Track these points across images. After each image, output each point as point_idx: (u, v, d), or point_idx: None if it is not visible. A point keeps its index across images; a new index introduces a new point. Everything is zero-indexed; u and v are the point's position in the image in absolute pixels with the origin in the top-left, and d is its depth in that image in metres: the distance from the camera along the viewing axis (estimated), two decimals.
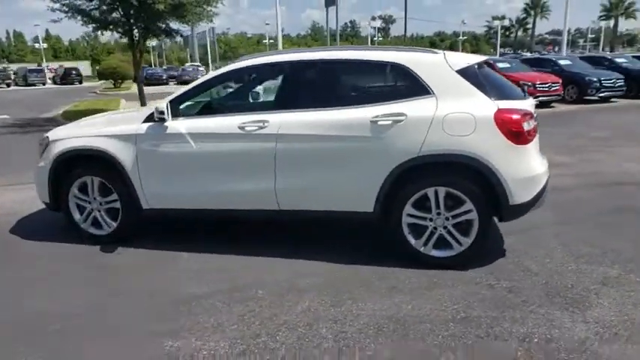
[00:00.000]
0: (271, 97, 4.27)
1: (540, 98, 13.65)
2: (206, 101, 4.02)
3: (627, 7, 49.93)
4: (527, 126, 3.28)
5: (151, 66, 50.52)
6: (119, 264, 3.77)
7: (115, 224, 4.05)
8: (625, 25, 57.62)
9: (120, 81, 29.93)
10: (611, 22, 51.04)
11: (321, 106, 3.54)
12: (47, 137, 4.16)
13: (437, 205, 3.38)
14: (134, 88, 31.16)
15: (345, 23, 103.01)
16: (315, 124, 3.47)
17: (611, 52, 40.76)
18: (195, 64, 42.48)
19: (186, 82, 35.21)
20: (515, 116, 3.25)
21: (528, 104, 3.46)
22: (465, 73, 3.39)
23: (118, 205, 3.99)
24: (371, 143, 3.38)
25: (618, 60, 17.26)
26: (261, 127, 3.55)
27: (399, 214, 3.45)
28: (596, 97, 14.91)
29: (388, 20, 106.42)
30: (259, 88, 4.61)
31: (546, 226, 4.15)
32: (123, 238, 4.07)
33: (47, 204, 4.24)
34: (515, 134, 3.23)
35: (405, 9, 46.84)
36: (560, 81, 14.37)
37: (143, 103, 13.63)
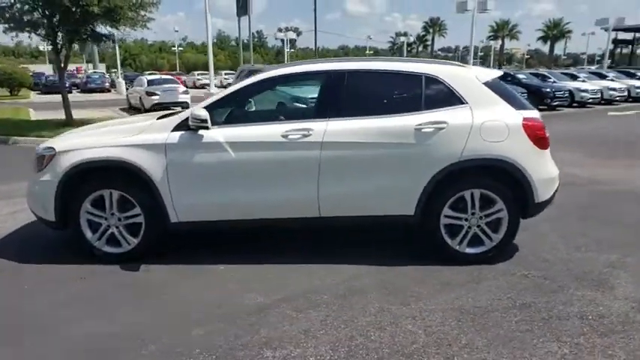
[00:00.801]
0: (269, 107, 4.27)
1: None
2: (238, 109, 3.93)
3: (511, 29, 57.26)
4: (547, 132, 3.74)
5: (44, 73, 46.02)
6: (152, 281, 3.55)
7: (135, 240, 3.79)
8: (508, 45, 65.43)
9: (17, 89, 26.91)
10: (499, 42, 57.80)
11: (363, 115, 3.69)
12: (52, 148, 3.78)
13: (472, 206, 3.69)
14: (33, 96, 28.25)
15: (252, 33, 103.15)
16: (360, 131, 3.61)
17: (499, 68, 45.63)
18: (100, 71, 39.72)
19: (92, 91, 32.75)
20: (539, 124, 3.69)
21: (539, 114, 3.93)
22: (489, 85, 3.77)
23: (140, 219, 3.75)
24: (415, 149, 3.60)
25: (519, 76, 19.51)
26: (305, 135, 3.60)
27: (437, 215, 3.70)
28: None
29: (295, 32, 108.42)
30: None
31: (539, 223, 4.64)
32: (141, 255, 3.82)
33: (49, 222, 3.84)
34: (540, 140, 3.67)
35: (314, 22, 47.92)
36: None
37: (69, 113, 12.52)
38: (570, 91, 18.86)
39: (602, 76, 22.30)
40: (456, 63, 4.04)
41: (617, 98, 20.37)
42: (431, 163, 3.60)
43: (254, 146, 3.64)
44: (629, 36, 46.86)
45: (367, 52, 57.13)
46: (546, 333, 2.80)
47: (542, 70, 25.65)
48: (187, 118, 3.65)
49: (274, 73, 3.84)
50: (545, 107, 17.88)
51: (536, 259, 3.86)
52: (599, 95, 19.52)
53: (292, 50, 52.64)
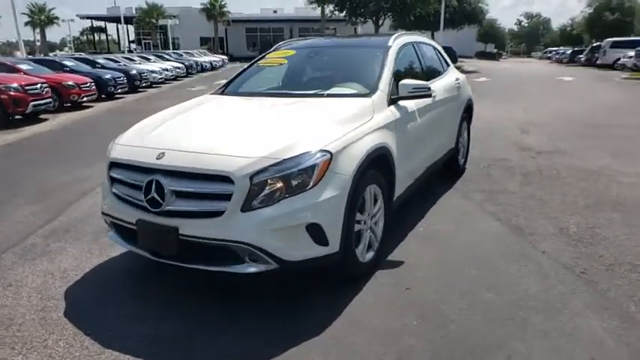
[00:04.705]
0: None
1: (85, 98, 13.91)
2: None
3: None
4: None
5: None
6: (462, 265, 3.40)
7: (381, 235, 3.34)
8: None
9: None
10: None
11: (435, 77, 4.70)
12: (325, 151, 2.65)
13: (464, 132, 5.61)
14: None
15: None
16: (444, 88, 4.68)
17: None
18: None
19: None
20: None
21: None
22: None
23: (381, 211, 3.33)
24: (458, 99, 5.09)
25: (67, 63, 16.84)
26: (435, 96, 4.31)
27: (458, 143, 5.37)
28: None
29: None
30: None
31: None
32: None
33: (326, 257, 2.71)
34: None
35: None
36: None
37: None
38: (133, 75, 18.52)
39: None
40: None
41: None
42: (461, 107, 5.22)
43: (425, 108, 3.99)
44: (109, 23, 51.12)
45: None
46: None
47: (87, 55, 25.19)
48: (391, 89, 3.54)
49: (411, 39, 4.26)
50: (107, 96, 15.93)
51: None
52: (167, 74, 22.22)
53: None
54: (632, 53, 24.36)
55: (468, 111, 5.63)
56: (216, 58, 36.58)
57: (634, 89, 16.08)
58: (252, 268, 2.60)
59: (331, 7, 19.25)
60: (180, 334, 2.59)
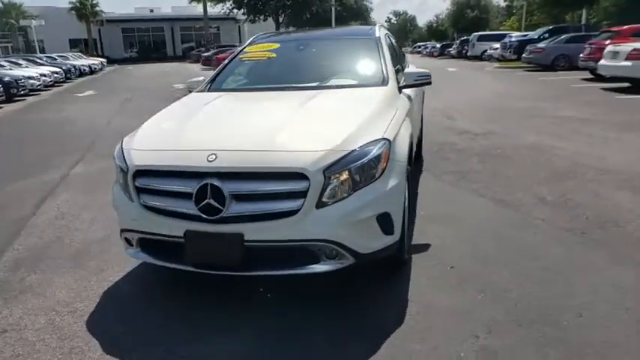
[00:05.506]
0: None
1: None
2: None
3: None
4: None
5: None
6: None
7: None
8: None
9: None
10: None
11: (406, 66, 4.89)
12: (385, 139, 2.64)
13: None
14: None
15: None
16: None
17: None
18: None
19: None
20: None
21: None
22: None
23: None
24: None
25: None
26: None
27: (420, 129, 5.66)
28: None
29: None
30: None
31: None
32: None
33: (389, 247, 2.68)
34: None
35: None
36: None
37: None
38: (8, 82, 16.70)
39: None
40: None
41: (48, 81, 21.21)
42: (422, 95, 5.49)
43: (415, 97, 4.13)
44: None
45: None
46: None
47: None
48: (399, 79, 3.62)
49: (385, 31, 4.48)
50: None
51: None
52: (46, 80, 19.71)
53: None
54: (497, 45, 27.54)
55: (423, 99, 5.95)
56: (95, 61, 33.65)
57: (509, 77, 18.23)
58: (325, 267, 2.50)
59: (228, 4, 18.71)
60: (251, 349, 2.39)
